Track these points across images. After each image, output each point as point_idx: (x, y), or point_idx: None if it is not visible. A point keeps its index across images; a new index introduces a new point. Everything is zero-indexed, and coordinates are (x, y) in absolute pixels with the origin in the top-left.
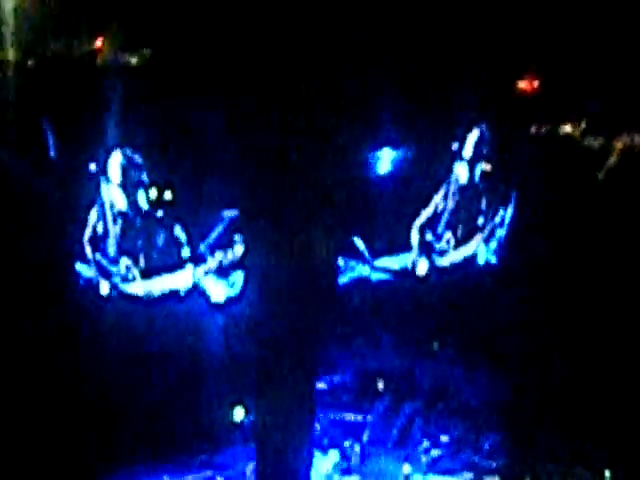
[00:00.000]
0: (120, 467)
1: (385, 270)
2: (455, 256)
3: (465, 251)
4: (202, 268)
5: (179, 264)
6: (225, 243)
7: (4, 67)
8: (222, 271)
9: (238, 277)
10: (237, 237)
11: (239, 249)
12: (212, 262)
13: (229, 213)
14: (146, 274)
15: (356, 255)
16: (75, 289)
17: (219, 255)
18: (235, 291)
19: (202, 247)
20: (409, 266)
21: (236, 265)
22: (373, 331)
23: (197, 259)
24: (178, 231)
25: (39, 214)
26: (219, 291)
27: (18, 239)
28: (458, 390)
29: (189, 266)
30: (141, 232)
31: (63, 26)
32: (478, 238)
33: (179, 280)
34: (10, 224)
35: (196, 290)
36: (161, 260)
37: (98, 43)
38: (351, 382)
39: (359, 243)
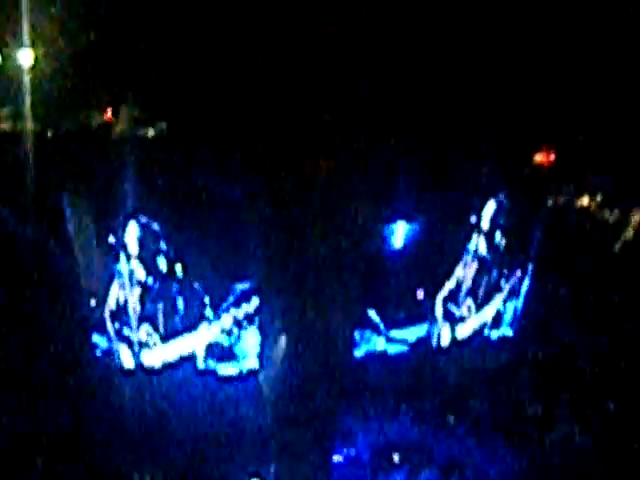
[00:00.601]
0: None
1: (400, 341)
2: (475, 322)
3: (484, 316)
4: (217, 326)
5: (195, 324)
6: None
7: (22, 138)
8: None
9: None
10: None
11: (254, 303)
12: (227, 319)
13: (241, 286)
14: (166, 338)
15: (371, 327)
16: (94, 361)
17: (233, 311)
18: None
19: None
20: (428, 337)
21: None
22: (389, 404)
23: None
24: (195, 298)
25: (58, 287)
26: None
27: (37, 313)
28: (473, 463)
29: (204, 325)
30: (160, 299)
31: (81, 98)
32: (498, 301)
33: (197, 341)
34: (30, 298)
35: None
36: (181, 324)
37: (108, 114)
38: (367, 455)
39: (373, 315)
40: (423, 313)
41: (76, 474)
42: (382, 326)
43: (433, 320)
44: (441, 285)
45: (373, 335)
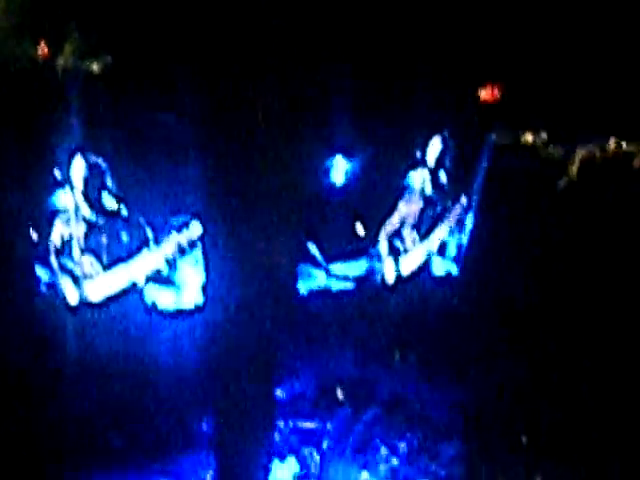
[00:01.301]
0: (70, 475)
1: (341, 277)
2: (419, 254)
3: (428, 247)
4: (160, 252)
5: (137, 251)
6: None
7: None
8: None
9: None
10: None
11: (195, 230)
12: (169, 245)
13: (183, 218)
14: (108, 267)
15: (311, 261)
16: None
17: (176, 237)
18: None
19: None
20: (370, 273)
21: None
22: (333, 340)
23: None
24: (139, 231)
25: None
26: (167, 298)
27: None
28: (418, 399)
29: (145, 251)
30: (104, 234)
31: (23, 31)
32: (442, 232)
33: (139, 269)
34: None
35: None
36: (124, 253)
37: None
38: (310, 391)
39: (313, 249)
40: (364, 248)
41: (19, 416)
42: (322, 260)
43: (376, 256)
44: (384, 221)
45: (314, 269)
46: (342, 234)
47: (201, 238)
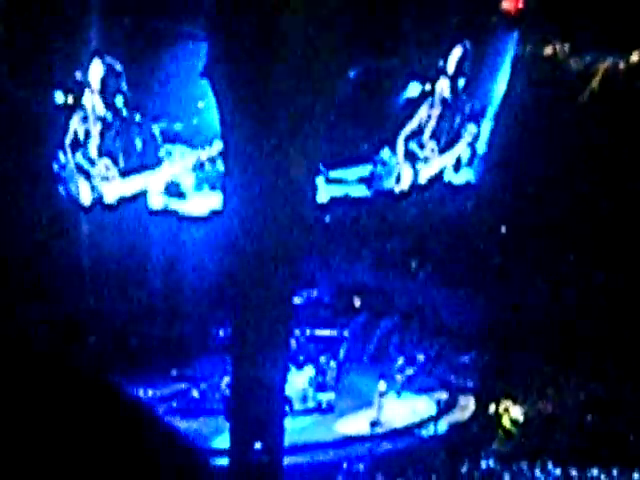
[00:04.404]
0: (88, 374)
1: (341, 182)
2: (437, 164)
3: (446, 160)
4: (179, 165)
5: (157, 162)
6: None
7: None
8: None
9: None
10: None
11: (216, 147)
12: (190, 158)
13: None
14: (125, 174)
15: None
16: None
17: (196, 152)
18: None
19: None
20: (374, 179)
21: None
22: (351, 248)
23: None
24: (156, 133)
25: (19, 121)
26: (197, 203)
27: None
28: (435, 309)
29: (166, 163)
30: (119, 137)
31: None
32: (461, 147)
33: (158, 178)
34: None
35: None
36: (139, 161)
37: None
38: (328, 298)
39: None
40: (367, 154)
41: (38, 312)
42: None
43: (380, 162)
44: (402, 125)
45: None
46: (345, 140)
47: (221, 153)
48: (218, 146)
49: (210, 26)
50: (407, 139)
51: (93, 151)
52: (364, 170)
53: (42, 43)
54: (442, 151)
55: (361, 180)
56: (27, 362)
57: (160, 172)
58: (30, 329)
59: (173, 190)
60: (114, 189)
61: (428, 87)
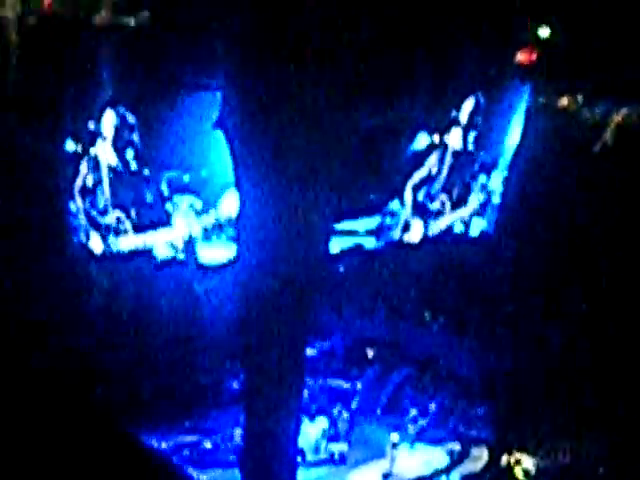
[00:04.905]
0: (101, 426)
1: (348, 232)
2: (449, 219)
3: (459, 214)
4: (198, 224)
5: (167, 217)
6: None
7: (3, 23)
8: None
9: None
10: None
11: (231, 205)
12: (208, 218)
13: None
14: (138, 228)
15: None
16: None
17: (213, 213)
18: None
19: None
20: (383, 230)
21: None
22: (364, 299)
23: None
24: (164, 188)
25: (31, 167)
26: (209, 254)
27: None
28: (447, 359)
29: (180, 221)
30: (131, 189)
31: None
32: (474, 201)
33: (172, 235)
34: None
35: (188, 250)
36: (150, 214)
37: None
38: (341, 349)
39: None
40: (376, 205)
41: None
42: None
43: (389, 213)
44: (410, 174)
45: None
46: (355, 192)
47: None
48: (230, 202)
49: (225, 78)
50: (415, 188)
51: (104, 202)
52: (373, 222)
53: (56, 93)
54: (455, 205)
55: (370, 232)
56: (44, 411)
57: (172, 225)
58: (42, 379)
59: (185, 241)
60: (126, 241)
61: (438, 138)
